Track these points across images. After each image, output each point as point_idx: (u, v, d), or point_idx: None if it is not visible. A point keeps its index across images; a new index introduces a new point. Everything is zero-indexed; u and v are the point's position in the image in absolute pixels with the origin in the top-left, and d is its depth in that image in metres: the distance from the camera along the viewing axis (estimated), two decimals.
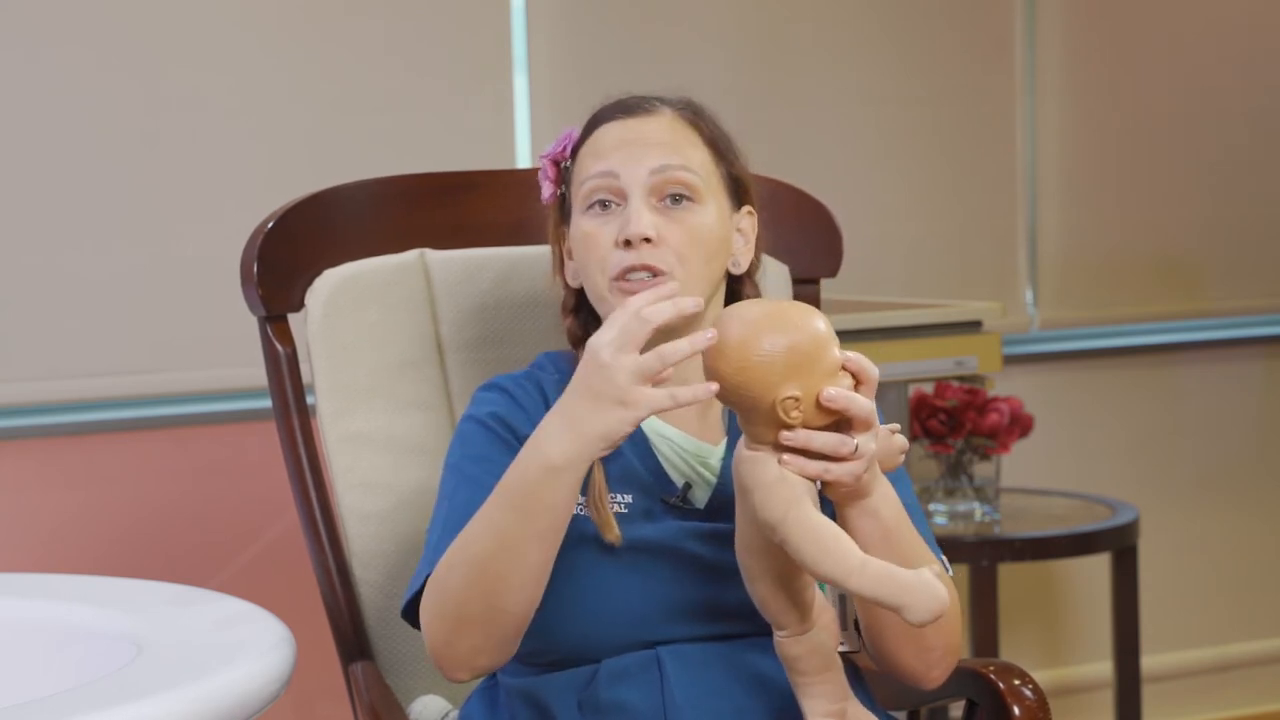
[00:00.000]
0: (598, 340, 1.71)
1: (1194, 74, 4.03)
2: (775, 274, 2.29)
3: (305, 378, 2.19)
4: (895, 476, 1.85)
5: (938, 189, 3.81)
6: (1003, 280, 3.88)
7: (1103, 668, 3.87)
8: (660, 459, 1.92)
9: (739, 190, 1.97)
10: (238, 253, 2.19)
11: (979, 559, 3.31)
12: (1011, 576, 3.83)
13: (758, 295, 1.99)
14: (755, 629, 1.84)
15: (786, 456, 1.70)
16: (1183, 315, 4.09)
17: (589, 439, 1.72)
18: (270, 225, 2.18)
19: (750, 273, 2.00)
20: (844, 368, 1.71)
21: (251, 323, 2.22)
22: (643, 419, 1.71)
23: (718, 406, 1.95)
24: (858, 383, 1.71)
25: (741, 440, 1.73)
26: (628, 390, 1.69)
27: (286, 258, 2.18)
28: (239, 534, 3.21)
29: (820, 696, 1.77)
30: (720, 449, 1.94)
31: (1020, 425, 3.42)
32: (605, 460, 1.84)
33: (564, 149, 1.99)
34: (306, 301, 2.19)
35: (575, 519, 1.81)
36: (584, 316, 1.98)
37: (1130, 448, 4.05)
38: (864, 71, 3.71)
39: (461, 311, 2.21)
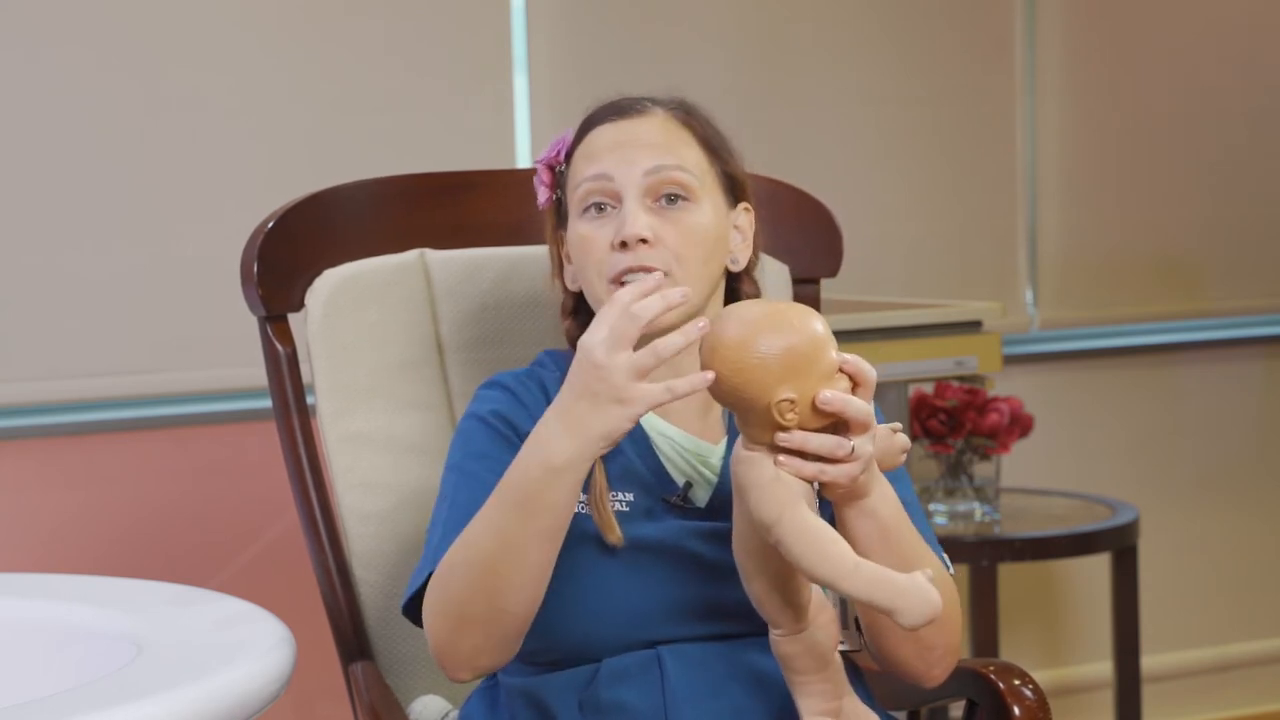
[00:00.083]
0: (590, 340, 1.71)
1: (1194, 74, 4.03)
2: (775, 274, 2.28)
3: (305, 378, 2.19)
4: (895, 475, 1.84)
5: (938, 189, 3.81)
6: (1003, 280, 3.88)
7: (1103, 668, 3.87)
8: (661, 458, 1.92)
9: (734, 187, 1.97)
10: (238, 253, 2.19)
11: (979, 559, 3.31)
12: (1011, 576, 3.83)
13: (757, 292, 1.99)
14: (756, 628, 1.83)
15: (782, 457, 1.69)
16: (1183, 315, 4.08)
17: (589, 439, 1.71)
18: (270, 225, 2.18)
19: (749, 270, 1.99)
20: (841, 370, 1.70)
21: (251, 323, 2.22)
22: (641, 415, 1.71)
23: (718, 405, 1.95)
24: (855, 385, 1.71)
25: (739, 440, 1.73)
26: (624, 388, 1.69)
27: (286, 258, 2.18)
28: (239, 534, 3.21)
29: (815, 695, 1.77)
30: (721, 448, 1.94)
31: (1020, 425, 3.42)
32: (606, 459, 1.84)
33: (558, 153, 1.98)
34: (306, 301, 2.19)
35: (576, 517, 1.81)
36: (583, 319, 1.98)
37: (1130, 448, 4.04)
38: (864, 71, 3.71)
39: (461, 311, 2.21)
